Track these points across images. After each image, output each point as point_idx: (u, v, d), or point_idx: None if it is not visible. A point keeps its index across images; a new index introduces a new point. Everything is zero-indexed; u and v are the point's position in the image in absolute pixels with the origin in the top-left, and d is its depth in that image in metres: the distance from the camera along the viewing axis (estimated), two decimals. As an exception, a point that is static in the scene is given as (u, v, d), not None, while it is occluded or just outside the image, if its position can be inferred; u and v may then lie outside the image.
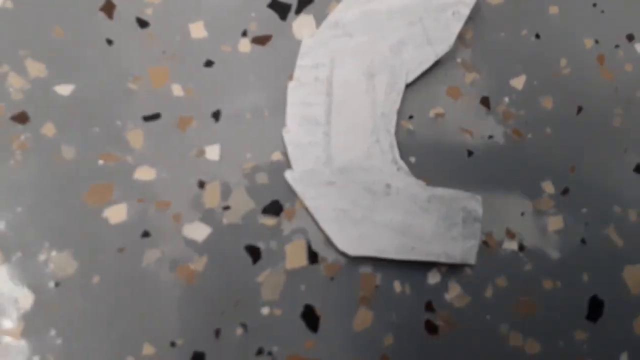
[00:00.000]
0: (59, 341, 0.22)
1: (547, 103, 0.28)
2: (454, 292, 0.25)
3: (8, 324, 0.22)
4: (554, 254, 0.26)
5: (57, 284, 0.23)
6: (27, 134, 0.24)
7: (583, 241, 0.26)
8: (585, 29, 0.29)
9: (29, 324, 0.23)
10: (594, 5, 0.30)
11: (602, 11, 0.30)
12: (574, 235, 0.26)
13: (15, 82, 0.25)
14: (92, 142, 0.24)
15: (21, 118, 0.24)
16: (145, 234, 0.24)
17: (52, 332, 0.22)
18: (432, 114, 0.27)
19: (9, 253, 0.23)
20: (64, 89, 0.25)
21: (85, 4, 0.26)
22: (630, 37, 0.29)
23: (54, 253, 0.23)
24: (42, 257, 0.23)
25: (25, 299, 0.23)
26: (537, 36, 0.29)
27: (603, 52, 0.29)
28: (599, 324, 0.25)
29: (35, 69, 0.25)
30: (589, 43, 0.29)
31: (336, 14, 0.27)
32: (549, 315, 0.25)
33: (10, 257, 0.23)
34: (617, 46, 0.29)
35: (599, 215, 0.26)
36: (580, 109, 0.28)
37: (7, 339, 0.22)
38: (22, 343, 0.22)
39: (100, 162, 0.24)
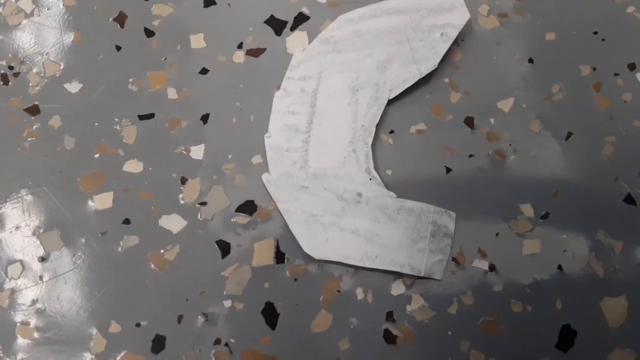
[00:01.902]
0: (39, 306, 0.25)
1: (535, 126, 0.28)
2: (416, 305, 0.25)
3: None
4: (527, 278, 0.25)
5: (43, 259, 0.25)
6: (37, 124, 0.27)
7: (560, 267, 0.25)
8: (582, 56, 0.29)
9: (15, 291, 0.25)
10: (595, 33, 0.29)
11: (603, 39, 0.29)
12: (551, 260, 0.26)
13: (32, 80, 0.28)
14: (91, 135, 0.27)
15: (33, 110, 0.27)
16: (126, 221, 0.26)
17: (37, 305, 0.25)
18: (413, 130, 0.28)
19: (7, 226, 0.26)
20: (74, 87, 0.28)
21: (101, 14, 0.29)
22: (632, 67, 0.29)
23: (44, 231, 0.26)
24: (34, 233, 0.26)
25: (16, 269, 0.25)
26: (530, 61, 0.29)
27: (600, 80, 0.29)
28: (570, 354, 0.24)
29: (51, 68, 0.28)
30: (585, 70, 0.29)
31: (328, 31, 0.29)
32: (515, 339, 0.24)
33: (6, 230, 0.26)
34: (616, 74, 0.29)
35: (580, 243, 0.26)
36: (569, 135, 0.27)
37: (-5, 304, 0.25)
38: (8, 309, 0.25)
39: (96, 154, 0.27)
